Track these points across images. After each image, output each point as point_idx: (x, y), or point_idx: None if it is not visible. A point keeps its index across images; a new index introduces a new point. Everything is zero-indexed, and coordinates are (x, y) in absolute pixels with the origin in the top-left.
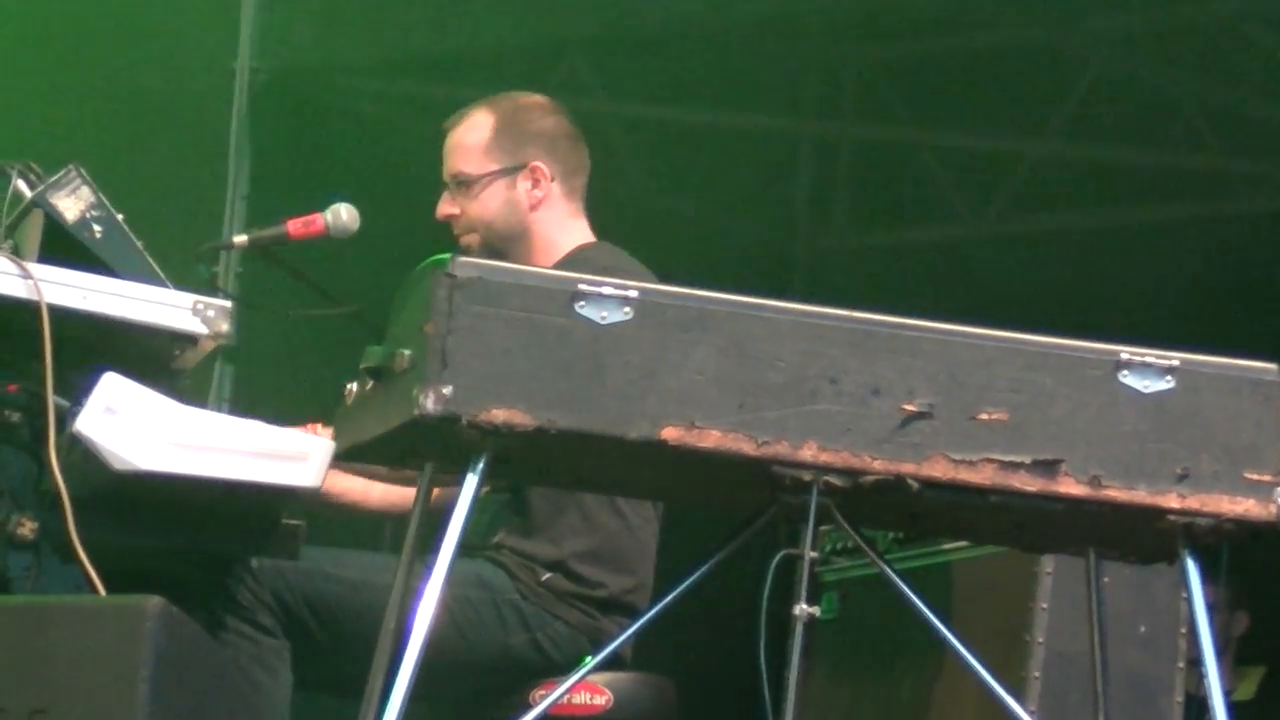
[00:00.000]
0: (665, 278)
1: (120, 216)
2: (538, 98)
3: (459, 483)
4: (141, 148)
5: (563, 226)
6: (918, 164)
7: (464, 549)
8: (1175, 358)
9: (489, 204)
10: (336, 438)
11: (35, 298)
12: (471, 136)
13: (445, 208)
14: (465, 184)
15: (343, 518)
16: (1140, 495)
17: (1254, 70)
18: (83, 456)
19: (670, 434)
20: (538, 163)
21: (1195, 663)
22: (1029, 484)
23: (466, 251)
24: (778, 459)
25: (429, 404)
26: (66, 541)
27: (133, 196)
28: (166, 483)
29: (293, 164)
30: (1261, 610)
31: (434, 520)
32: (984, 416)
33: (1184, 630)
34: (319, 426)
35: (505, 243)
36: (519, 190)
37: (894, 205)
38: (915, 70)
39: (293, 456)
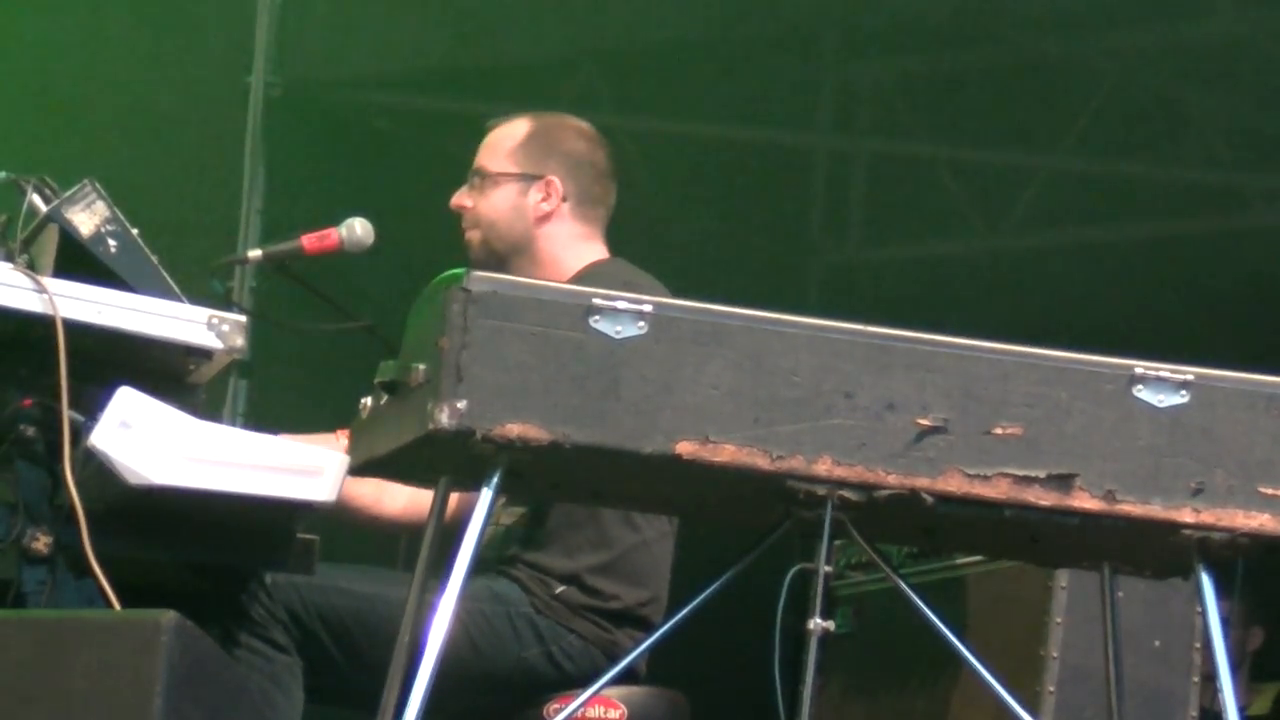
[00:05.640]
0: (680, 292)
1: (135, 231)
2: (585, 126)
3: (474, 491)
4: (156, 162)
5: (570, 245)
6: (933, 178)
7: (478, 563)
8: (1190, 372)
9: (497, 204)
10: (351, 452)
11: (50, 312)
12: (505, 136)
13: (459, 198)
14: (481, 178)
15: (360, 526)
16: (1155, 510)
17: (1269, 85)
18: (97, 471)
19: (685, 449)
20: (554, 178)
21: (1210, 678)
22: (1044, 498)
23: (469, 246)
24: (792, 473)
25: (443, 418)
26: (81, 556)
27: (148, 211)
28: (181, 497)
29: (307, 178)
30: (1277, 625)
31: (449, 532)
32: (999, 431)
33: (1199, 645)
34: (347, 434)
35: (506, 248)
36: (529, 199)
37: (909, 220)
38: (930, 85)
39: (308, 471)
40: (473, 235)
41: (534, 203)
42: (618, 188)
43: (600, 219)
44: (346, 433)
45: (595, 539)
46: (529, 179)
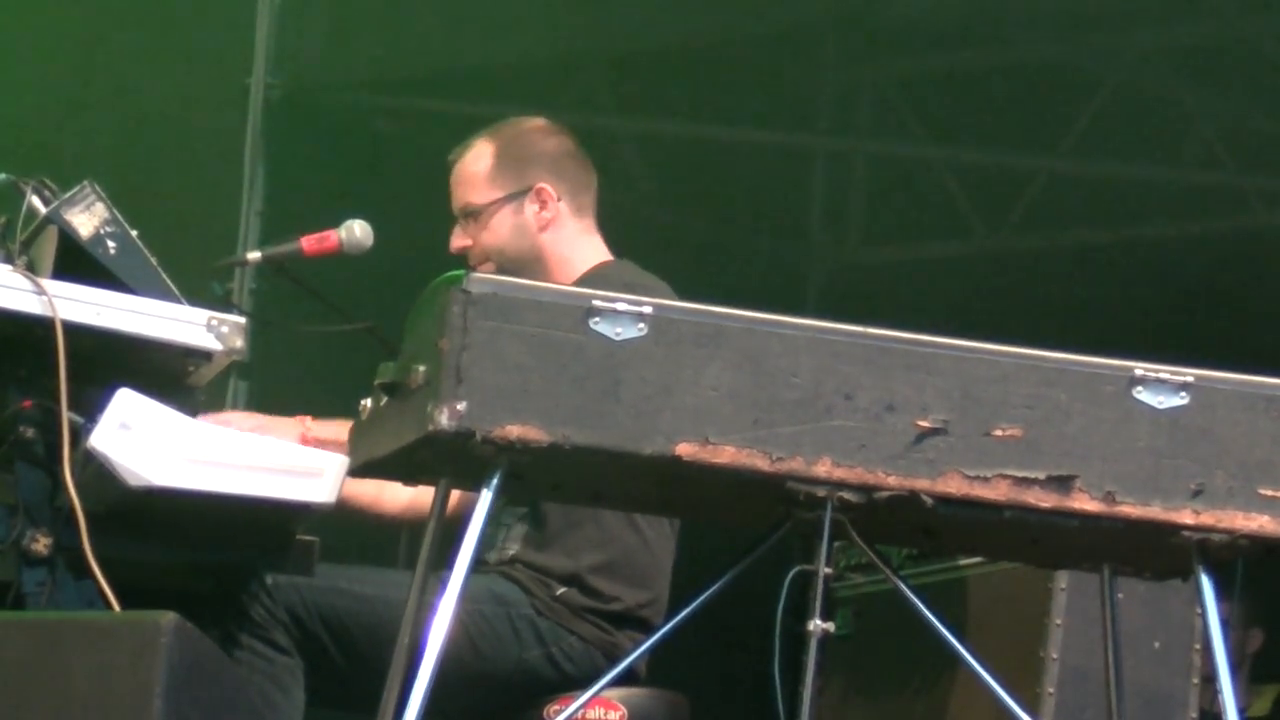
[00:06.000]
0: (679, 294)
1: (135, 232)
2: (537, 120)
3: (475, 489)
4: (156, 163)
5: (575, 244)
6: (932, 180)
7: (478, 564)
8: (1190, 374)
9: (499, 231)
10: (351, 453)
11: (50, 314)
12: (475, 166)
13: (458, 240)
14: (474, 214)
15: (362, 523)
16: (1155, 511)
17: (1268, 86)
18: (97, 472)
19: (685, 450)
20: (543, 184)
21: (1210, 679)
22: (1043, 500)
23: None
24: (792, 475)
25: (443, 419)
26: (81, 557)
27: (147, 212)
28: (181, 499)
29: (307, 180)
30: (1276, 627)
31: (450, 531)
32: (998, 433)
33: (1198, 646)
34: (307, 420)
35: (520, 267)
36: (527, 214)
37: (908, 221)
38: (930, 86)
39: (307, 472)
40: (485, 269)
41: (532, 215)
42: (616, 191)
43: (591, 202)
44: (308, 418)
45: (596, 539)
46: (519, 195)
